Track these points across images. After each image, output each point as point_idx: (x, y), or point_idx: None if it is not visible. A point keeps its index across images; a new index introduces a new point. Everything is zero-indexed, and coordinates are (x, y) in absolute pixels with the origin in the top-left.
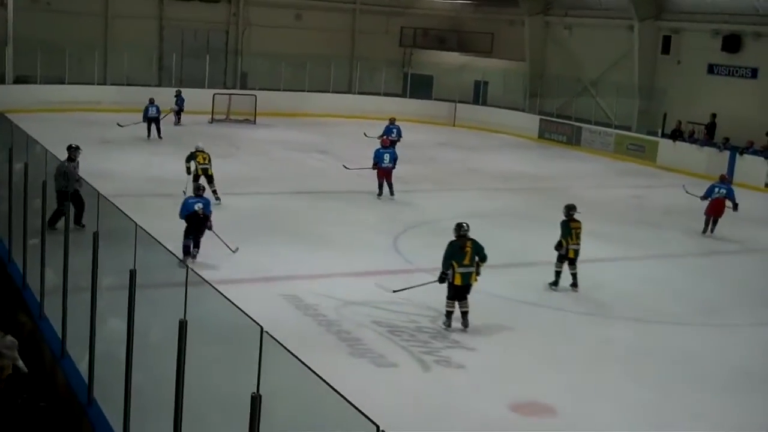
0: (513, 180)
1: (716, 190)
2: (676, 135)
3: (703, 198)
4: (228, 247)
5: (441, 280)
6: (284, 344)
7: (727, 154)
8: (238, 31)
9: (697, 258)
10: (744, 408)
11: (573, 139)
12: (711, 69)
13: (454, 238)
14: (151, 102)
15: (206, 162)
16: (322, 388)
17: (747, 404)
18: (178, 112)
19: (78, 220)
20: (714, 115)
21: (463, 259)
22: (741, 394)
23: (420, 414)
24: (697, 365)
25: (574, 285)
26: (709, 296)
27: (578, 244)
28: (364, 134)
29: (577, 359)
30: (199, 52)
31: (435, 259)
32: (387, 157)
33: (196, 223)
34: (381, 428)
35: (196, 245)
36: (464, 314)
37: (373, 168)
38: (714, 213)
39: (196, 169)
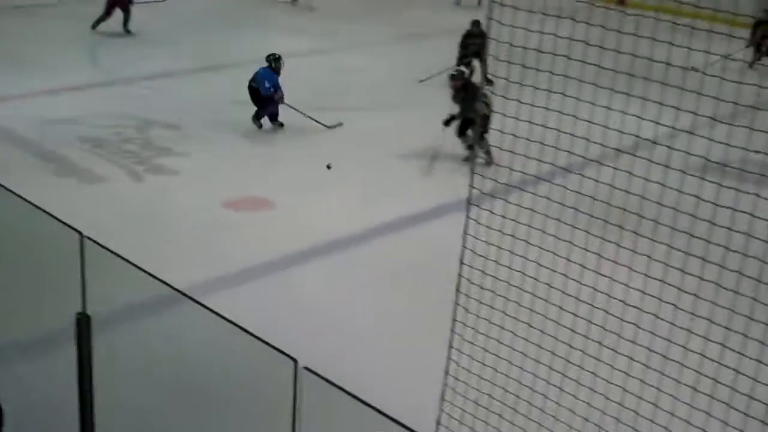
0: None
1: None
2: None
3: None
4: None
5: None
6: None
7: None
8: None
9: (391, 46)
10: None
11: None
12: None
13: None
14: None
15: None
16: (21, 205)
17: (444, 174)
18: None
19: None
20: None
21: None
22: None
23: (133, 222)
24: (394, 145)
25: None
26: (404, 83)
27: None
28: None
29: (289, 155)
30: None
31: (137, 69)
32: None
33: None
34: (85, 234)
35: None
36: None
37: None
38: None
39: None
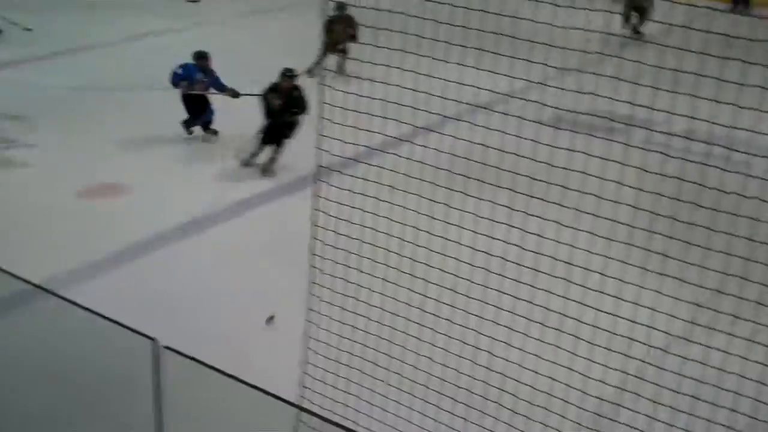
0: None
1: None
2: None
3: None
4: None
5: None
6: None
7: None
8: None
9: (238, 19)
10: None
11: None
12: None
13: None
14: None
15: None
16: None
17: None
18: None
19: None
20: None
21: None
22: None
23: None
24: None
25: None
26: (256, 57)
27: None
28: None
29: (142, 139)
30: None
31: None
32: None
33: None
34: None
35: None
36: None
37: None
38: None
39: None
